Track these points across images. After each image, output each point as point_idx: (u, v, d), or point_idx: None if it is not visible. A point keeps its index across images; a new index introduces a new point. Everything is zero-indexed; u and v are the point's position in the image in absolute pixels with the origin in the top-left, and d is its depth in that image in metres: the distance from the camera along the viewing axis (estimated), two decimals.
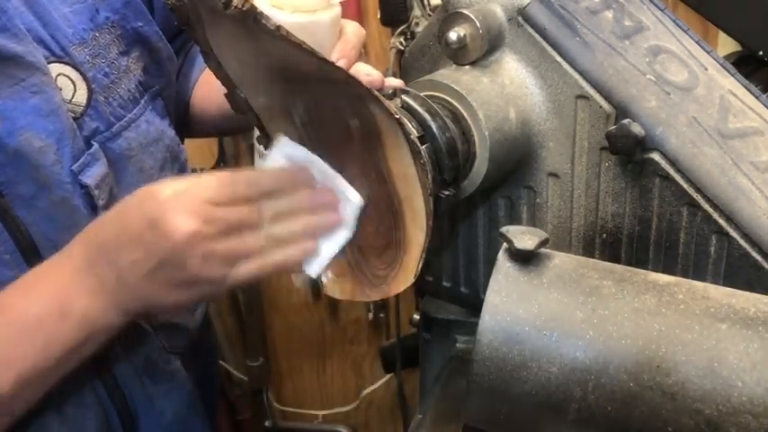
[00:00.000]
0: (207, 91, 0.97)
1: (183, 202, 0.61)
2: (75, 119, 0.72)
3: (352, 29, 0.76)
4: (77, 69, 0.73)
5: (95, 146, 0.74)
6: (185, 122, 0.99)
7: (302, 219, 0.65)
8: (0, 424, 0.66)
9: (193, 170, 1.66)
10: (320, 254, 0.66)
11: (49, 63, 0.70)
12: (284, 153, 0.66)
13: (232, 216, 0.62)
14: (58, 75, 0.71)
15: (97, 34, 0.76)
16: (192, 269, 0.62)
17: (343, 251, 0.67)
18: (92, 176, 0.72)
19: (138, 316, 0.69)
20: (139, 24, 0.81)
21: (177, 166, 0.89)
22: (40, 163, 0.68)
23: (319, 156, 0.67)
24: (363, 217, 0.67)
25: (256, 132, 0.71)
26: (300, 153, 0.66)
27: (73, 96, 0.72)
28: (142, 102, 0.82)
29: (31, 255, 0.69)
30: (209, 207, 0.61)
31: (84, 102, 0.73)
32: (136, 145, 0.79)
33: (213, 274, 0.63)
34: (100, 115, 0.75)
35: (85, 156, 0.72)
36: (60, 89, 0.71)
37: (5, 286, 0.66)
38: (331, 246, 0.66)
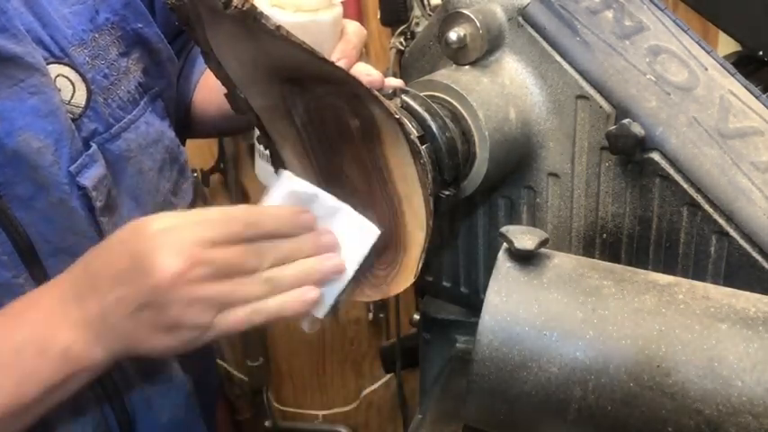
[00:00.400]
0: (207, 92, 0.97)
1: (170, 240, 0.58)
2: (73, 120, 0.72)
3: (354, 29, 0.76)
4: (76, 70, 0.72)
5: (94, 147, 0.73)
6: (186, 124, 0.99)
7: (304, 265, 0.61)
8: None
9: (193, 171, 1.67)
10: (324, 296, 0.62)
11: (48, 64, 0.70)
12: (287, 189, 0.63)
13: (223, 259, 0.58)
14: (57, 76, 0.71)
15: (97, 35, 0.76)
16: (175, 313, 0.58)
17: (351, 286, 0.64)
18: (89, 178, 0.72)
19: (121, 357, 0.64)
20: (140, 26, 0.81)
21: (177, 167, 0.88)
22: (38, 164, 0.68)
23: (320, 154, 0.67)
24: (363, 209, 0.66)
25: (256, 132, 0.71)
26: (304, 188, 0.62)
27: (72, 97, 0.72)
28: (142, 103, 0.82)
29: (29, 256, 0.69)
30: (199, 248, 0.57)
31: (83, 103, 0.73)
32: (135, 146, 0.79)
33: (197, 321, 0.59)
34: (99, 116, 0.75)
35: (83, 157, 0.72)
36: (59, 90, 0.70)
37: (3, 288, 0.66)
38: (336, 286, 0.63)
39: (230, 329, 0.60)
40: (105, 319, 0.61)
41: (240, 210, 0.60)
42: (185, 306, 0.58)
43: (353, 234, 0.63)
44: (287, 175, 0.64)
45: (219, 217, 0.59)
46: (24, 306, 0.65)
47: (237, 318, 0.60)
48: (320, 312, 0.63)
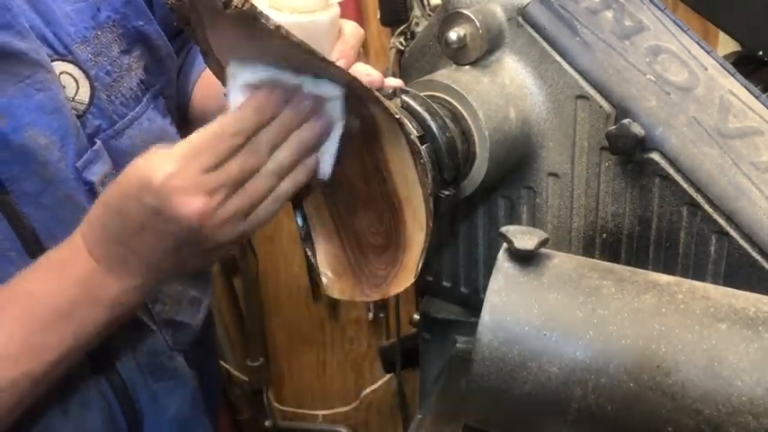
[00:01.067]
0: (206, 90, 0.97)
1: (181, 182, 0.59)
2: (78, 116, 0.72)
3: (351, 29, 0.76)
4: (80, 67, 0.73)
5: (99, 143, 0.74)
6: (186, 122, 0.99)
7: (295, 139, 0.63)
8: (26, 405, 0.67)
9: None
10: (324, 157, 0.64)
11: (52, 61, 0.70)
12: (244, 82, 0.62)
13: (233, 172, 0.60)
14: (61, 73, 0.71)
15: (99, 33, 0.76)
16: (212, 239, 0.61)
17: (340, 142, 0.65)
18: (96, 174, 0.72)
19: (172, 281, 0.71)
20: (140, 23, 0.81)
21: None
22: (45, 159, 0.68)
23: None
24: (363, 209, 0.67)
25: None
26: (260, 73, 0.62)
27: (76, 94, 0.73)
28: (144, 100, 0.82)
29: (36, 251, 0.69)
30: (208, 176, 0.59)
31: (87, 99, 0.74)
32: (139, 143, 0.79)
33: (233, 234, 0.62)
34: (102, 113, 0.75)
35: (89, 153, 0.72)
36: (63, 87, 0.71)
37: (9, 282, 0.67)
38: (330, 145, 0.64)
39: (262, 224, 0.64)
40: (149, 264, 0.64)
41: (219, 126, 0.60)
42: (219, 229, 0.61)
43: (322, 88, 0.62)
44: (235, 68, 0.62)
45: (209, 138, 0.60)
46: (60, 269, 0.66)
47: (265, 213, 0.63)
48: (325, 172, 0.65)
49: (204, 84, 0.98)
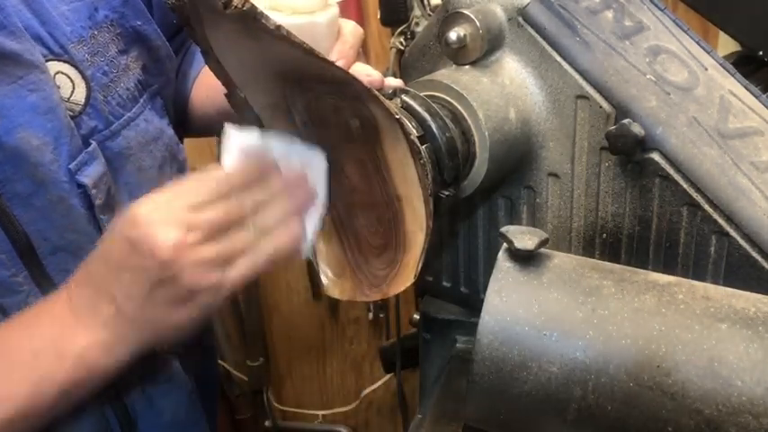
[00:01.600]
0: (205, 89, 0.97)
1: (160, 216, 0.59)
2: (72, 117, 0.72)
3: (350, 29, 0.76)
4: (76, 67, 0.72)
5: (93, 145, 0.73)
6: (184, 121, 0.99)
7: (281, 204, 0.64)
8: None
9: (194, 169, 1.67)
10: (306, 232, 0.66)
11: (47, 61, 0.70)
12: (239, 145, 0.64)
13: (212, 217, 0.60)
14: (57, 73, 0.71)
15: (96, 33, 0.76)
16: (186, 281, 0.60)
17: (323, 220, 0.67)
18: (89, 175, 0.72)
19: (147, 347, 0.65)
20: (138, 23, 0.81)
21: (176, 165, 0.89)
22: (37, 161, 0.68)
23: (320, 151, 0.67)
24: (363, 209, 0.67)
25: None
26: (254, 139, 0.64)
27: (71, 95, 0.72)
28: (141, 100, 0.82)
29: (28, 254, 0.69)
30: (190, 214, 0.59)
31: (83, 100, 0.73)
32: (135, 144, 0.79)
33: (208, 282, 0.60)
34: (98, 114, 0.75)
35: (83, 154, 0.72)
36: (59, 87, 0.70)
37: (2, 287, 0.66)
38: (312, 219, 0.66)
39: (239, 281, 0.62)
40: (122, 315, 0.62)
41: (209, 176, 0.62)
42: (194, 271, 0.59)
43: (308, 163, 0.65)
44: (232, 132, 0.64)
45: (195, 184, 0.61)
46: (37, 315, 0.65)
47: (243, 268, 0.62)
48: (306, 244, 0.66)
49: (203, 83, 0.97)
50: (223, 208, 0.61)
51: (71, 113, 0.72)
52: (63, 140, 0.70)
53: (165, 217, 0.59)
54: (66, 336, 0.63)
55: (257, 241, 0.62)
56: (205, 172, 0.62)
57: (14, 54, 0.66)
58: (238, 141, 0.64)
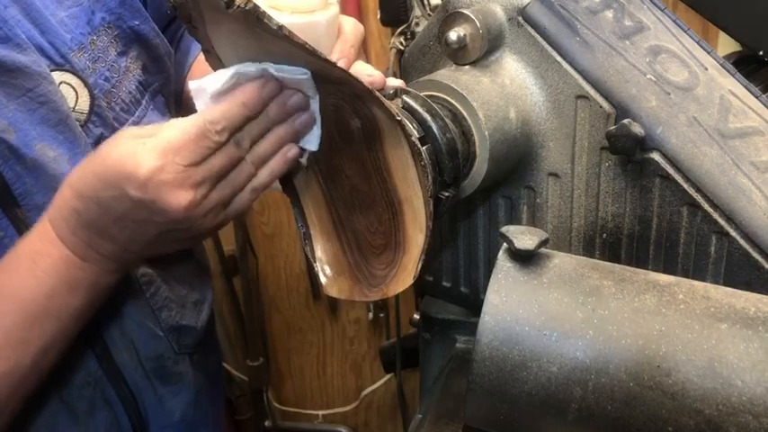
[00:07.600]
0: (200, 78, 0.96)
1: (167, 177, 0.59)
2: (80, 126, 0.72)
3: (350, 27, 0.76)
4: (78, 76, 0.72)
5: None
6: (180, 110, 0.99)
7: (278, 131, 0.63)
8: (22, 394, 0.68)
9: None
10: (307, 143, 0.66)
11: (50, 71, 0.69)
12: (211, 93, 0.61)
13: (216, 166, 0.61)
14: (60, 83, 0.71)
15: (95, 38, 0.75)
16: (195, 229, 0.63)
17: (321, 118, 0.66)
18: None
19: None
20: (136, 23, 0.81)
21: None
22: (56, 172, 0.68)
23: (320, 154, 0.67)
24: (363, 209, 0.67)
25: None
26: (225, 76, 0.61)
27: (76, 104, 0.72)
28: (143, 102, 0.82)
29: None
30: (194, 170, 0.60)
31: (87, 109, 0.73)
32: None
33: (214, 222, 0.64)
34: (103, 121, 0.74)
35: None
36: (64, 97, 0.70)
37: None
38: (314, 131, 0.66)
39: (240, 212, 0.67)
40: (127, 251, 0.66)
41: (203, 121, 0.60)
42: (202, 219, 0.62)
43: (291, 72, 0.62)
44: (198, 84, 0.62)
45: (193, 132, 0.60)
46: (31, 255, 0.66)
47: (243, 202, 0.65)
48: (313, 146, 0.66)
49: (198, 71, 0.97)
50: (222, 155, 0.61)
51: (78, 122, 0.72)
52: (77, 150, 0.70)
53: (173, 178, 0.59)
54: (73, 273, 0.66)
55: (254, 173, 0.64)
56: (200, 115, 0.60)
57: (23, 66, 0.66)
58: (210, 89, 0.61)
